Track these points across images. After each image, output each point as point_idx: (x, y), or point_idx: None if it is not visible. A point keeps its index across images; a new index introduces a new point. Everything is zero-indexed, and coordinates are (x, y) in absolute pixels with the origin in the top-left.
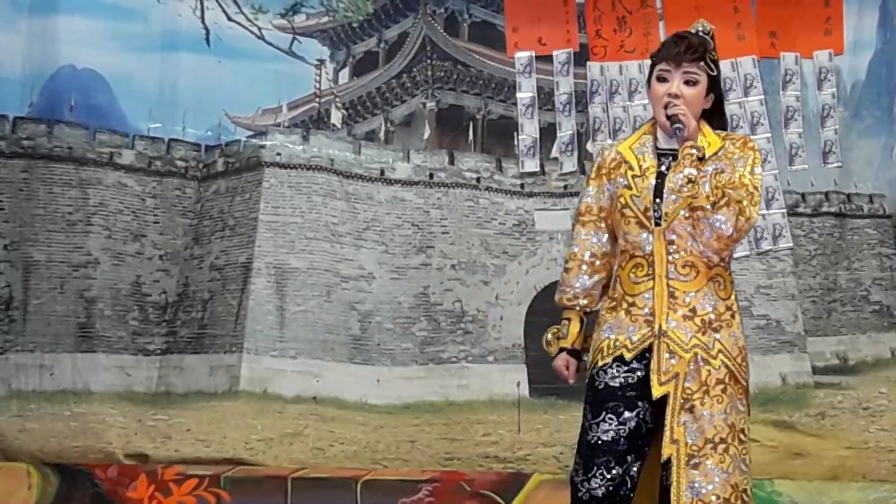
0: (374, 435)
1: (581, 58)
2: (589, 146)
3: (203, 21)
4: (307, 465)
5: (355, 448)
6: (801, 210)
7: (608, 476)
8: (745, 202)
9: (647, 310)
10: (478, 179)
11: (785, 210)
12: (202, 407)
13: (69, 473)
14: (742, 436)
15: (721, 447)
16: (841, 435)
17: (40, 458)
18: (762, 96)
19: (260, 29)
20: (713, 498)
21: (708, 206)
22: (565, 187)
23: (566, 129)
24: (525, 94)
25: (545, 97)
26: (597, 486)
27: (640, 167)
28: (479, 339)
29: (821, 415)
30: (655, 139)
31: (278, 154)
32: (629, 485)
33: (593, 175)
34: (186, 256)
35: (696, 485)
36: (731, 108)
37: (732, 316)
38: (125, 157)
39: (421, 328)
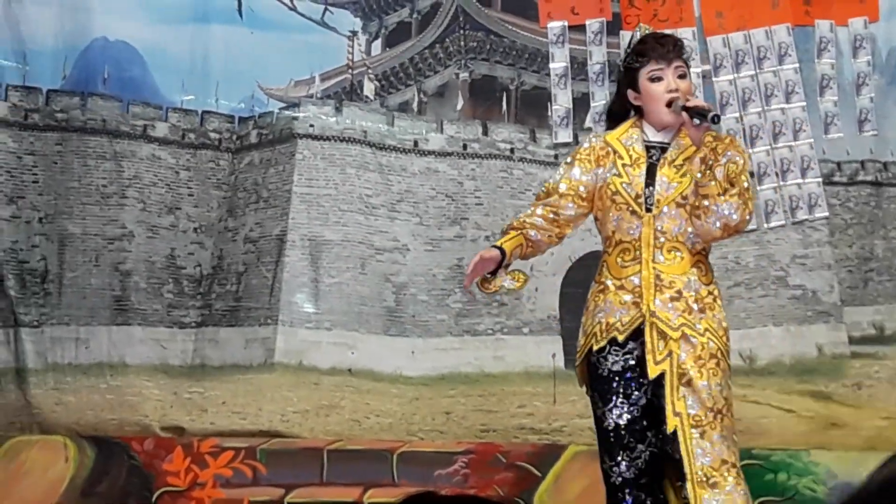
0: (409, 407)
1: (614, 27)
2: None
3: None
4: (343, 437)
5: (391, 420)
6: (836, 179)
7: (633, 455)
8: (747, 196)
9: (635, 292)
10: (511, 150)
11: (820, 179)
12: (237, 379)
13: (105, 446)
14: (732, 410)
15: (719, 417)
16: (877, 405)
17: (77, 431)
18: (797, 64)
19: (292, 0)
20: (718, 464)
21: (717, 194)
22: None
23: (599, 98)
24: (558, 64)
25: (578, 67)
26: (626, 468)
27: (629, 156)
28: (514, 310)
29: (857, 385)
30: (643, 133)
31: (311, 126)
32: (659, 456)
33: (580, 156)
34: (221, 229)
35: (702, 452)
36: (765, 77)
37: (714, 300)
38: (159, 130)
39: (455, 300)
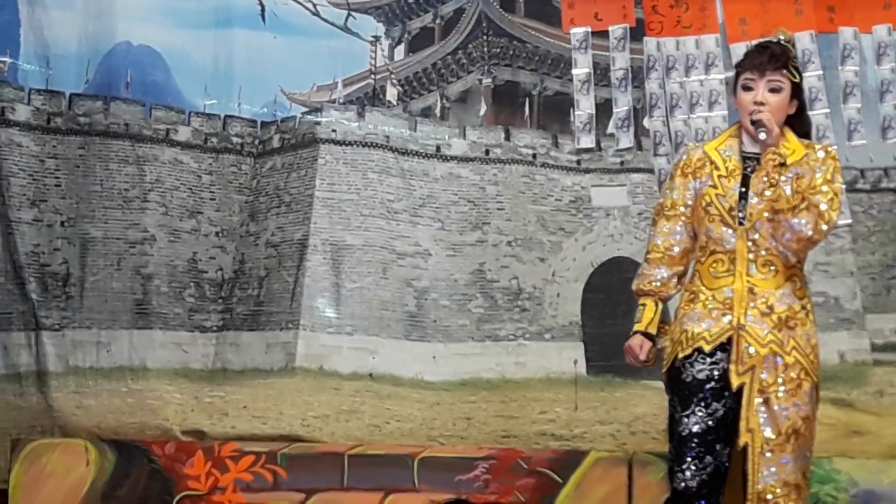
0: (430, 412)
1: (637, 33)
2: (645, 122)
3: None
4: (363, 442)
5: (411, 425)
6: (859, 186)
7: (700, 466)
8: (823, 206)
9: (725, 304)
10: (534, 156)
11: (844, 186)
12: (258, 384)
13: (126, 450)
14: (812, 427)
15: (793, 438)
16: None
17: (98, 435)
18: (820, 71)
19: (315, 5)
20: (781, 484)
21: (788, 209)
22: (622, 163)
23: (622, 104)
24: (581, 69)
25: (601, 73)
26: (691, 476)
27: (725, 168)
28: (535, 316)
29: (879, 392)
30: (741, 143)
31: (333, 131)
32: (722, 471)
33: (678, 173)
34: (242, 233)
35: (768, 472)
36: None
37: (807, 315)
38: (181, 134)
39: (477, 305)
